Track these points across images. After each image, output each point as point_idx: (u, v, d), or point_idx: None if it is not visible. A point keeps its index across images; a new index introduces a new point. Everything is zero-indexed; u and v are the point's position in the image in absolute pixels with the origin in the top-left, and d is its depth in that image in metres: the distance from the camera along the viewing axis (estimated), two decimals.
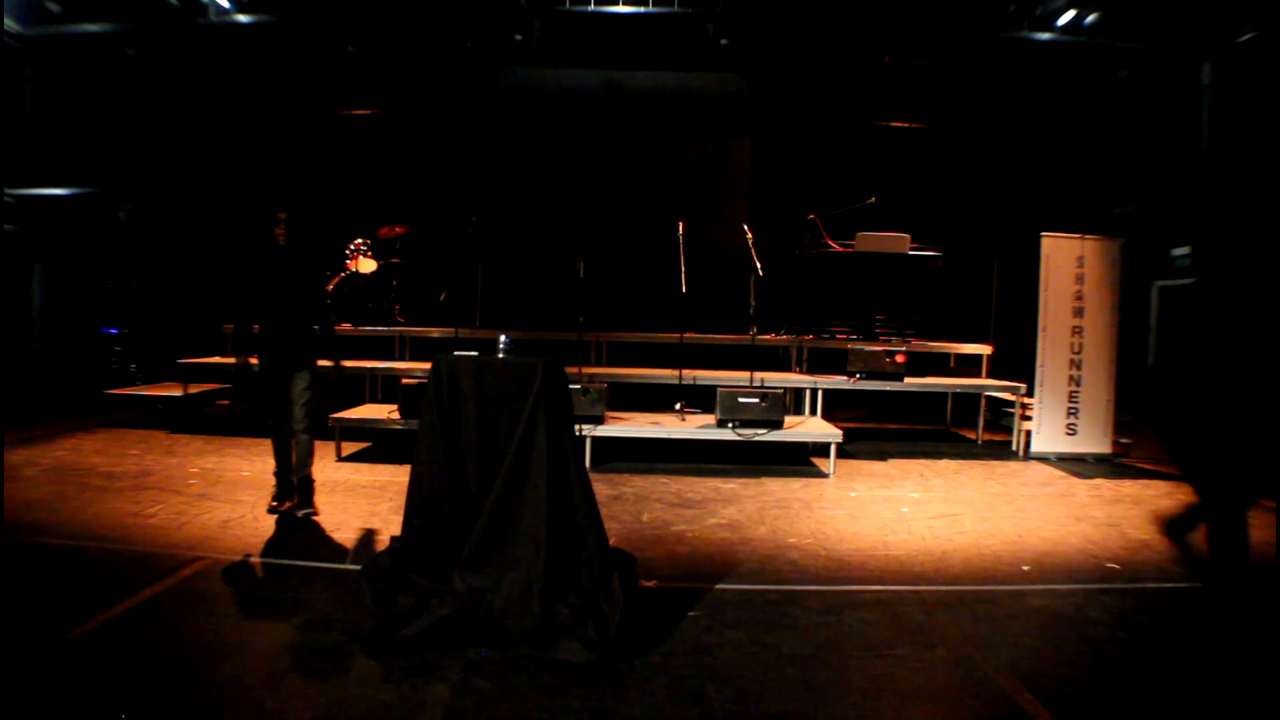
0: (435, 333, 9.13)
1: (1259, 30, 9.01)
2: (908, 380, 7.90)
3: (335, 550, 4.48)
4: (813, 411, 7.87)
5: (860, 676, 3.14)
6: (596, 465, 6.69)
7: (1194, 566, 3.87)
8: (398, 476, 6.09)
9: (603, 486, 5.86)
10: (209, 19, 10.13)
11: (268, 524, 4.88)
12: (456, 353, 3.74)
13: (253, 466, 6.39)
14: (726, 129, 12.03)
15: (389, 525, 4.86)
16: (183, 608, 3.61)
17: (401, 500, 3.72)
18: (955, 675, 3.18)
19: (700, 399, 7.57)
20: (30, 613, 3.46)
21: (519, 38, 10.96)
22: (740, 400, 6.75)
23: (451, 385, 3.62)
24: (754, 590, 4.04)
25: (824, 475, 6.75)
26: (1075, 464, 7.49)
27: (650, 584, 4.04)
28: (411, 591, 3.44)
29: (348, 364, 8.16)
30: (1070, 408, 7.72)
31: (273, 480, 5.16)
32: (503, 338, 3.83)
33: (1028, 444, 7.80)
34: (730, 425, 6.76)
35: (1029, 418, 7.82)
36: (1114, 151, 11.01)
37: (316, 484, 5.27)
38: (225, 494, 5.54)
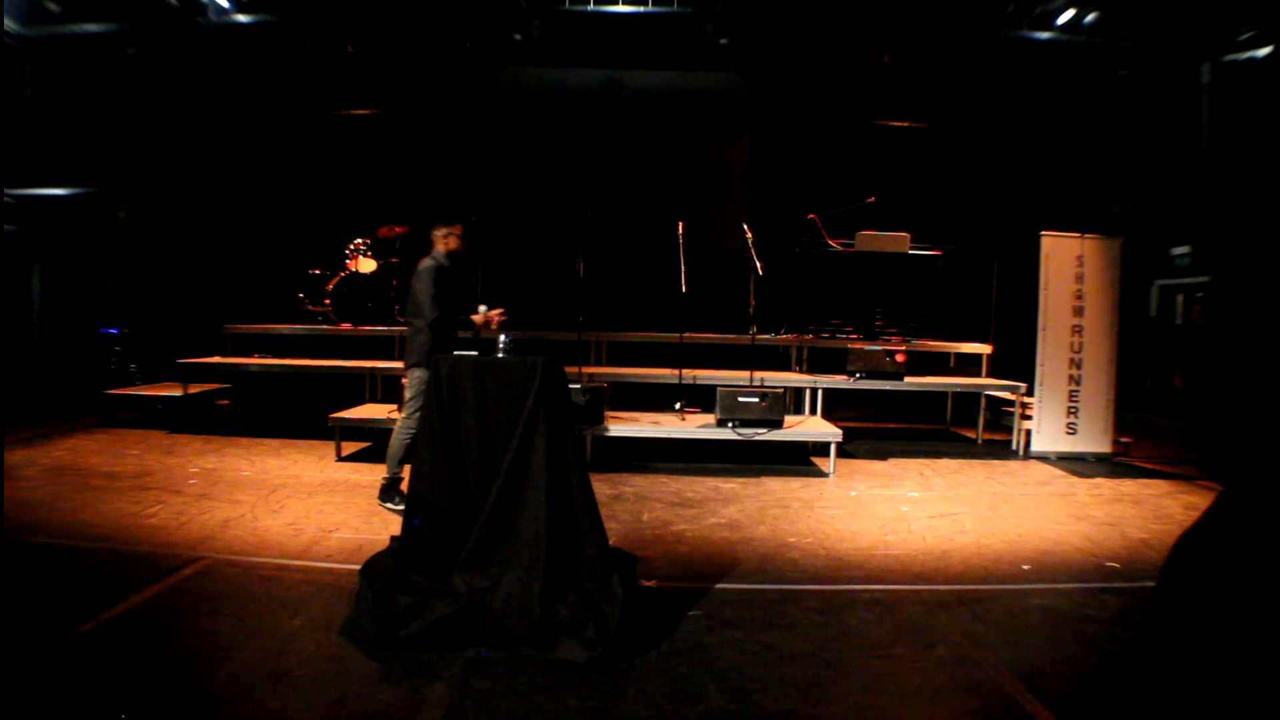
0: None
1: (1258, 29, 9.00)
2: (908, 380, 7.90)
3: (335, 550, 4.48)
4: (813, 411, 7.87)
5: (860, 676, 3.13)
6: (596, 465, 6.68)
7: None
8: None
9: (603, 486, 5.86)
10: (209, 19, 10.13)
11: (268, 524, 4.88)
12: (456, 353, 3.75)
13: (253, 466, 6.39)
14: (727, 129, 12.02)
15: (389, 525, 4.86)
16: (183, 608, 3.61)
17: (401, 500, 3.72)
18: (955, 675, 3.17)
19: (700, 399, 7.57)
20: (30, 613, 3.45)
21: (519, 37, 10.95)
22: (740, 400, 6.75)
23: (451, 385, 3.62)
24: (754, 590, 4.04)
25: (824, 475, 6.75)
26: (1075, 463, 7.50)
27: (650, 583, 4.04)
28: (411, 591, 3.44)
29: (348, 363, 8.24)
30: (1070, 407, 7.72)
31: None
32: (503, 338, 3.83)
33: (1028, 443, 7.80)
34: (730, 425, 6.76)
35: (1029, 417, 7.82)
36: (1114, 151, 11.01)
37: (316, 483, 5.41)
38: (225, 494, 5.53)
